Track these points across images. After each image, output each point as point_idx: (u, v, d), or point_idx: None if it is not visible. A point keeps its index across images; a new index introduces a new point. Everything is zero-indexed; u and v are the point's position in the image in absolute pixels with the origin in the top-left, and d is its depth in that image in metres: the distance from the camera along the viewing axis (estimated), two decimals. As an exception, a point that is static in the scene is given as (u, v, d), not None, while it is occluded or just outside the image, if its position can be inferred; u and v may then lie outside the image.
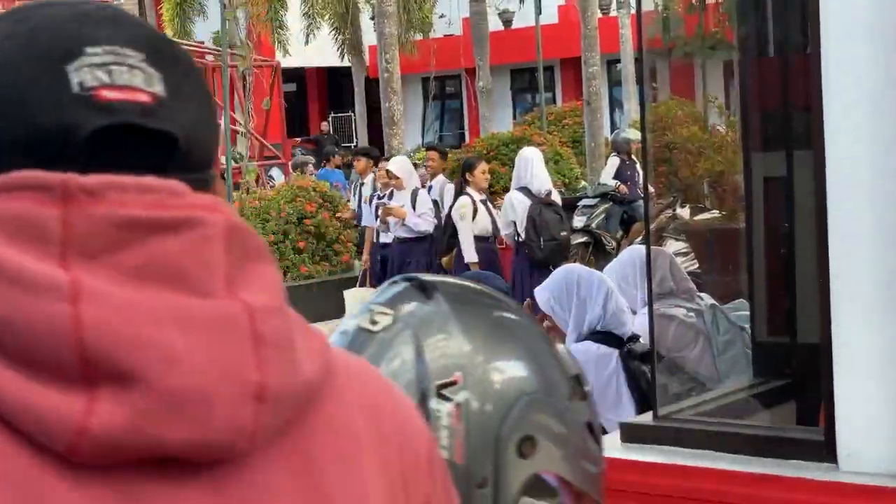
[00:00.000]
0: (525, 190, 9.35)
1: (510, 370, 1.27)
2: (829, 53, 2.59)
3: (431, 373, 1.24)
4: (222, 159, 14.18)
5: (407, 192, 10.43)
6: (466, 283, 1.41)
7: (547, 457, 1.25)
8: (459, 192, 9.98)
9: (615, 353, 4.10)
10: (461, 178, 10.24)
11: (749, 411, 3.22)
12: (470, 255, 9.71)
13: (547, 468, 1.26)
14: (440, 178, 11.45)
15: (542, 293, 4.30)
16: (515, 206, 9.26)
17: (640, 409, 3.97)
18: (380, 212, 10.62)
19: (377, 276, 10.98)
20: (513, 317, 1.33)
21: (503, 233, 9.44)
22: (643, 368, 4.02)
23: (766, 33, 3.82)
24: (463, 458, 1.22)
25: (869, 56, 2.54)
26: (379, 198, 11.08)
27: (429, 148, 12.67)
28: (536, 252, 9.19)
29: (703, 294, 4.45)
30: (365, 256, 11.59)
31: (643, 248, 4.32)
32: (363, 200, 11.87)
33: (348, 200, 16.62)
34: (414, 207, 10.38)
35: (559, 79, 28.00)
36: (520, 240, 9.27)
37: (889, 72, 2.50)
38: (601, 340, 4.14)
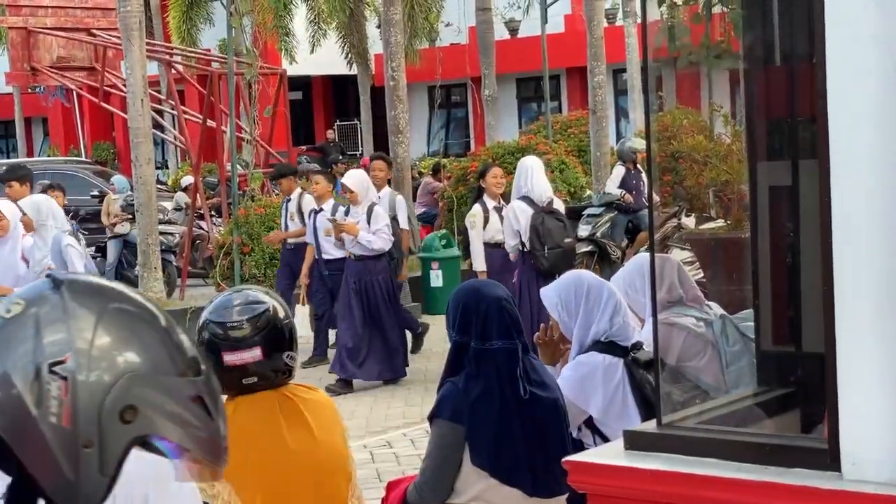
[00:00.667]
0: (526, 199, 9.25)
1: (117, 351, 1.54)
2: (834, 63, 2.59)
3: (46, 352, 1.51)
4: (228, 167, 14.20)
5: (363, 208, 9.83)
6: (101, 280, 1.65)
7: (149, 423, 1.53)
8: (475, 200, 9.94)
9: (621, 362, 4.10)
10: (477, 184, 10.17)
11: (753, 420, 3.21)
12: (478, 263, 9.68)
13: (150, 432, 1.53)
14: (387, 189, 10.77)
15: (550, 296, 4.28)
16: (518, 216, 9.18)
17: (646, 417, 3.96)
18: (331, 228, 10.02)
19: (322, 294, 10.59)
20: (132, 308, 1.59)
21: (507, 244, 9.32)
22: (648, 377, 4.01)
23: (771, 42, 3.81)
24: (70, 423, 1.49)
25: (874, 66, 2.54)
26: (317, 212, 10.54)
27: (373, 157, 11.77)
28: (542, 261, 9.07)
29: (712, 303, 4.42)
30: (303, 275, 10.96)
31: (646, 256, 4.32)
32: (307, 216, 11.03)
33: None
34: (369, 223, 9.76)
35: (565, 88, 28.02)
36: (524, 249, 9.19)
37: (894, 77, 2.50)
38: (605, 350, 4.14)
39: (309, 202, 10.90)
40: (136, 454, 2.14)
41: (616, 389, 4.08)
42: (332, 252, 10.32)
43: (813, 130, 2.88)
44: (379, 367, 9.97)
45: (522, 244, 9.19)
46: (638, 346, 4.15)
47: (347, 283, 9.90)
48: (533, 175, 9.31)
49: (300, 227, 11.11)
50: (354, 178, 10.11)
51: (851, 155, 2.60)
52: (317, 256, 10.59)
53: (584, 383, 4.05)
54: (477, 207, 9.76)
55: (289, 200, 11.55)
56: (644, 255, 4.92)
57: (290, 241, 11.42)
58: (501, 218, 9.56)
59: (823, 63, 2.61)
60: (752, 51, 3.84)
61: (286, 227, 11.56)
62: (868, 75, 2.55)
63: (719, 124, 9.02)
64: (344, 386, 9.80)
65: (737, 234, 7.23)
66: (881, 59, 2.53)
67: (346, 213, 10.01)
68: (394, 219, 10.24)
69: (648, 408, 4.00)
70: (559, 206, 9.67)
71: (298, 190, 11.62)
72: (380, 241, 9.76)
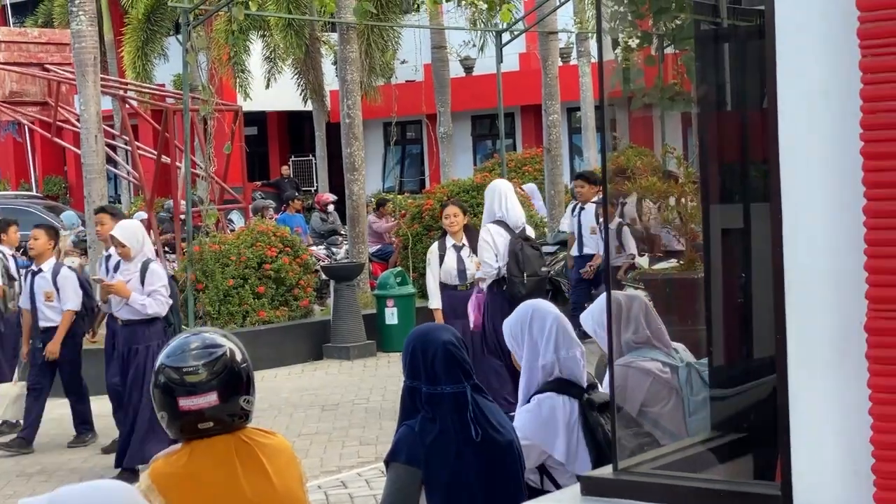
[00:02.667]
0: (501, 223, 9.01)
1: None
2: (785, 110, 2.64)
3: None
4: (182, 203, 14.13)
5: (136, 264, 8.41)
6: None
7: None
8: (441, 237, 9.68)
9: (576, 403, 4.11)
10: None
11: (708, 464, 3.24)
12: (433, 302, 9.49)
13: None
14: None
15: (506, 328, 4.34)
16: (496, 240, 8.94)
17: (596, 460, 3.98)
18: (98, 288, 8.85)
19: (38, 367, 9.43)
20: None
21: (487, 270, 8.93)
22: (601, 420, 4.03)
23: (723, 87, 3.88)
24: None
25: (824, 114, 2.59)
26: (35, 273, 9.47)
27: (97, 211, 10.16)
28: (520, 288, 8.79)
29: (679, 346, 4.37)
30: (24, 347, 9.72)
31: (621, 294, 4.34)
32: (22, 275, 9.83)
33: (309, 245, 16.59)
34: (143, 283, 8.41)
35: (519, 125, 28.19)
36: (498, 276, 8.94)
37: (843, 130, 2.55)
38: (561, 389, 4.16)
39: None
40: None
41: (573, 431, 4.10)
42: (53, 319, 9.39)
43: (764, 174, 2.93)
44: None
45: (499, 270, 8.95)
46: (593, 386, 4.17)
47: (119, 353, 8.62)
48: (507, 199, 9.12)
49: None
50: (126, 229, 8.54)
51: (802, 203, 2.64)
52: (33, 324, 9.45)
53: (548, 425, 4.06)
54: (434, 246, 9.61)
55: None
56: (616, 294, 4.91)
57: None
58: (459, 257, 9.37)
59: (775, 110, 2.66)
60: (704, 95, 3.90)
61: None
62: (818, 124, 2.60)
63: (672, 165, 9.11)
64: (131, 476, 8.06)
65: (691, 274, 7.30)
66: (831, 108, 2.58)
67: (116, 268, 8.57)
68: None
69: (599, 451, 4.01)
70: (530, 232, 9.50)
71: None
72: (155, 303, 8.40)
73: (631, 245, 11.10)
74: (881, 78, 2.42)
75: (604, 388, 4.28)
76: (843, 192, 2.55)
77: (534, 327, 4.20)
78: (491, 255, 8.98)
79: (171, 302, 8.58)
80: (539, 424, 4.08)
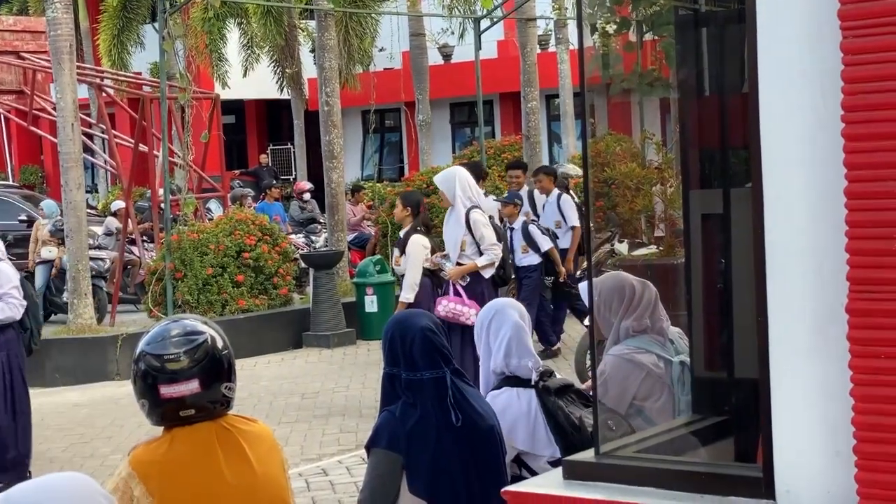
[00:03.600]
0: (477, 209, 8.86)
1: None
2: (766, 95, 2.64)
3: None
4: (160, 192, 14.07)
5: None
6: None
7: None
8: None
9: (532, 392, 4.14)
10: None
11: (690, 447, 3.25)
12: (410, 295, 9.11)
13: None
14: None
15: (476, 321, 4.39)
16: (488, 224, 8.86)
17: (562, 444, 3.99)
18: None
19: None
20: None
21: (497, 253, 8.72)
22: (559, 403, 4.05)
23: (702, 72, 3.88)
24: None
25: (804, 98, 2.60)
26: None
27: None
28: (510, 271, 9.01)
29: (675, 331, 4.32)
30: None
31: (631, 277, 4.32)
32: None
33: (288, 233, 16.55)
34: None
35: (498, 113, 28.17)
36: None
37: (823, 113, 2.56)
38: (513, 383, 4.20)
39: None
40: None
41: (533, 420, 4.12)
42: None
43: (744, 159, 2.94)
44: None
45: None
46: (548, 373, 4.19)
47: None
48: (473, 185, 8.97)
49: None
50: None
51: (784, 186, 2.65)
52: None
53: (504, 419, 4.07)
54: (423, 238, 9.23)
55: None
56: (622, 276, 4.80)
57: None
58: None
59: (756, 95, 2.66)
60: (683, 80, 3.90)
61: None
62: (798, 108, 2.61)
63: (652, 151, 9.13)
64: None
65: (670, 260, 7.31)
66: (811, 92, 2.58)
67: None
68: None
69: (563, 433, 4.03)
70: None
71: None
72: (7, 308, 7.64)
73: (542, 242, 11.16)
74: (862, 59, 2.43)
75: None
76: (825, 174, 2.55)
77: (491, 329, 4.24)
78: (494, 239, 8.85)
79: (25, 304, 7.78)
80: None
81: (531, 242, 11.19)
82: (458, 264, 8.89)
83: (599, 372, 4.26)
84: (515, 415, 4.11)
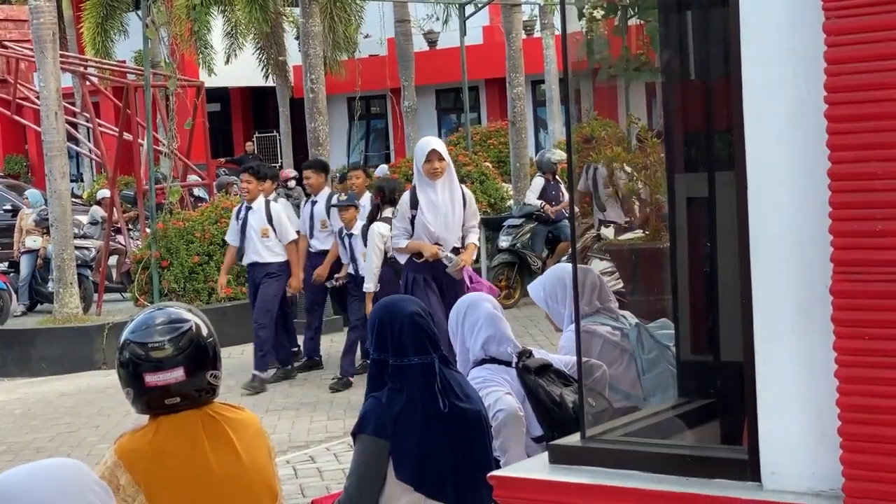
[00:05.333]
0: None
1: None
2: (749, 76, 2.64)
3: None
4: (145, 180, 14.01)
5: None
6: None
7: None
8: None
9: (512, 371, 4.15)
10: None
11: (675, 431, 3.25)
12: (372, 284, 9.14)
13: None
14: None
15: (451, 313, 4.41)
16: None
17: (546, 419, 4.02)
18: None
19: None
20: None
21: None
22: (540, 381, 4.07)
23: (687, 56, 3.87)
24: None
25: (787, 79, 2.59)
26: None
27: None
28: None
29: (626, 313, 4.49)
30: None
31: (569, 266, 4.37)
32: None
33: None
34: None
35: (484, 99, 28.15)
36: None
37: (807, 94, 2.55)
38: (491, 362, 4.22)
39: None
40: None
41: (523, 399, 4.14)
42: None
43: (729, 142, 2.93)
44: None
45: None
46: (527, 353, 4.20)
47: None
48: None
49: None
50: None
51: (767, 168, 2.64)
52: None
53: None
54: (383, 226, 9.14)
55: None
56: (563, 266, 4.97)
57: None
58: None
59: (739, 77, 2.66)
60: (668, 64, 3.90)
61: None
62: (781, 89, 2.60)
63: (637, 136, 9.13)
64: None
65: (655, 244, 7.32)
66: (794, 73, 2.58)
67: None
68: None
69: (544, 411, 4.05)
70: None
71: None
72: None
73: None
74: (845, 40, 2.42)
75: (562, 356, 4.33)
76: (808, 156, 2.55)
77: (466, 323, 4.26)
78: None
79: None
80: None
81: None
82: (456, 249, 8.19)
83: (560, 346, 4.32)
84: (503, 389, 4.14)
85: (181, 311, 3.28)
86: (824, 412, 2.55)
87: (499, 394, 4.09)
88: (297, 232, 10.60)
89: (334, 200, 10.41)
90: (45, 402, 10.58)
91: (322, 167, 11.19)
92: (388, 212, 9.34)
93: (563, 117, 20.51)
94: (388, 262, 9.16)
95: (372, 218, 9.55)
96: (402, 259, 8.40)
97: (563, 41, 3.60)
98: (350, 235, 10.00)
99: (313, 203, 10.87)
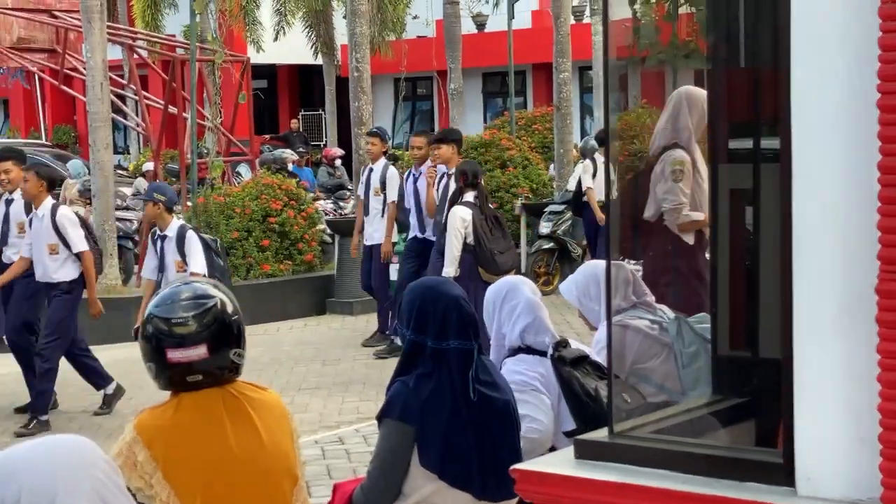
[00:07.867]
0: None
1: None
2: (797, 66, 2.53)
3: None
4: (188, 154, 14.03)
5: None
6: None
7: None
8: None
9: (547, 361, 4.08)
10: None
11: (708, 429, 3.15)
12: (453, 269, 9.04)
13: None
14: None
15: (486, 296, 4.36)
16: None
17: (579, 412, 3.94)
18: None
19: None
20: None
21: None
22: (575, 373, 3.98)
23: (736, 44, 3.76)
24: None
25: (837, 69, 2.48)
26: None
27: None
28: None
29: (664, 306, 4.40)
30: None
31: (601, 262, 4.29)
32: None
33: (316, 198, 16.49)
34: None
35: (530, 83, 27.99)
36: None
37: (857, 84, 2.44)
38: (529, 353, 4.15)
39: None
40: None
41: (558, 392, 4.08)
42: None
43: (775, 133, 2.82)
44: None
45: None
46: (564, 343, 4.11)
47: None
48: None
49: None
50: None
51: (814, 160, 2.54)
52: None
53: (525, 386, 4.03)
54: (466, 211, 9.08)
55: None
56: (594, 262, 4.90)
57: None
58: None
59: (787, 66, 2.55)
60: (715, 52, 3.78)
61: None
62: (833, 77, 2.49)
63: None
64: None
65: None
66: (846, 62, 2.47)
67: None
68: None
69: (577, 403, 3.97)
70: None
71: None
72: None
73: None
74: (901, 27, 2.30)
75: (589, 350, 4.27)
76: (857, 148, 2.44)
77: (504, 308, 4.19)
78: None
79: None
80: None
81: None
82: None
83: (596, 341, 4.24)
84: (535, 380, 4.08)
85: (207, 286, 3.23)
86: (864, 417, 2.44)
87: (533, 408, 4.04)
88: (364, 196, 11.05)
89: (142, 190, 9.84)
90: (81, 372, 10.60)
91: (381, 136, 11.42)
92: (469, 196, 9.13)
93: (604, 106, 20.35)
94: (467, 249, 9.07)
95: (453, 201, 9.24)
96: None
97: (605, 25, 3.50)
98: (164, 238, 8.53)
99: (370, 171, 11.17)
